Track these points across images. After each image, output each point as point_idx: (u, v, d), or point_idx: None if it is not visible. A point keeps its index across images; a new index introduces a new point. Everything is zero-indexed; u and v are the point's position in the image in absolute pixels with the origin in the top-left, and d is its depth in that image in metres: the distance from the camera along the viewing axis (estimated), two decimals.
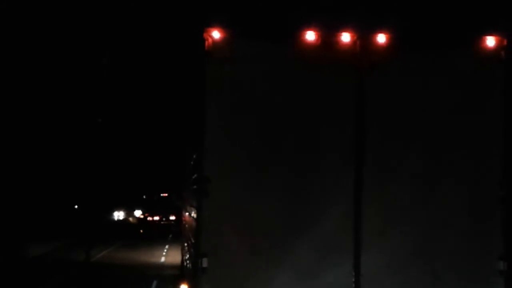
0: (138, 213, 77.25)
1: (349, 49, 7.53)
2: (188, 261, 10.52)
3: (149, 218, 75.57)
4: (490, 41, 7.73)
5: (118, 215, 77.85)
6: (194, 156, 8.64)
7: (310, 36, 7.45)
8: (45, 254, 29.81)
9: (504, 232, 7.68)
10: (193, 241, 8.50)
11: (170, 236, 44.75)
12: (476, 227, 7.67)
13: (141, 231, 57.07)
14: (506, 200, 7.68)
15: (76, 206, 60.37)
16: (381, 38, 7.55)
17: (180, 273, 15.60)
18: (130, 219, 75.38)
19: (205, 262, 7.22)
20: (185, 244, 12.93)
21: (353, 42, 7.54)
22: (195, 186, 8.14)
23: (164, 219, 74.81)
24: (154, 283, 20.74)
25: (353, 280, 7.42)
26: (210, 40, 7.31)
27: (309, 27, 7.43)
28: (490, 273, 7.61)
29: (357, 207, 7.49)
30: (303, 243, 7.35)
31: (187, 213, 12.57)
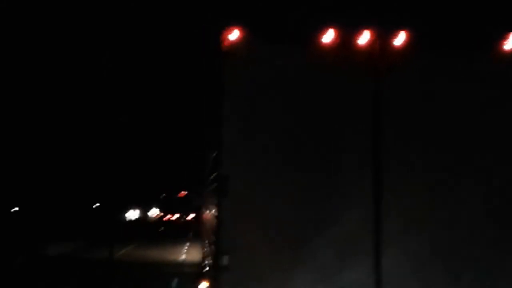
0: (156, 211, 77.49)
1: (368, 50, 7.53)
2: (208, 259, 10.59)
3: (169, 217, 75.92)
4: (511, 43, 7.68)
5: (137, 213, 78.10)
6: (214, 155, 8.70)
7: (328, 37, 7.46)
8: (65, 253, 30.07)
9: None
10: (213, 239, 8.57)
11: (191, 234, 44.93)
12: (497, 228, 7.62)
13: (162, 228, 57.33)
14: None
15: (96, 205, 60.75)
16: (400, 39, 7.53)
17: (200, 271, 15.69)
18: (151, 216, 75.72)
19: (225, 260, 7.27)
20: (206, 242, 13.00)
21: (372, 43, 7.54)
22: (215, 185, 8.20)
23: (184, 216, 75.24)
24: (175, 280, 20.86)
25: (374, 280, 7.44)
26: (228, 40, 7.36)
27: (327, 28, 7.44)
28: (511, 275, 7.58)
29: (377, 208, 7.50)
30: (323, 242, 7.37)
31: (207, 211, 12.64)
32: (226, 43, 7.34)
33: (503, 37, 7.69)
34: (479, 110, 7.71)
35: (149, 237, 45.43)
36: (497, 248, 7.61)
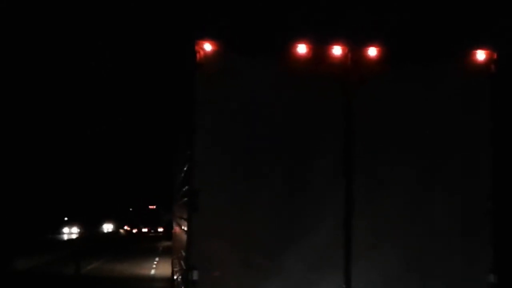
0: (125, 226, 77.16)
1: (340, 63, 7.56)
2: (178, 274, 10.47)
3: (136, 230, 75.73)
4: (480, 55, 7.80)
5: (108, 227, 77.62)
6: (185, 169, 8.62)
7: (301, 49, 7.48)
8: (34, 267, 29.57)
9: (494, 245, 7.69)
10: (183, 253, 8.47)
11: (160, 249, 44.56)
12: (466, 240, 7.69)
13: (133, 242, 56.88)
14: (495, 213, 7.70)
15: (66, 219, 60.07)
16: (372, 52, 7.59)
17: (170, 286, 15.52)
18: (121, 231, 75.32)
19: (195, 275, 7.20)
20: (176, 257, 12.87)
21: (344, 56, 7.58)
22: (185, 199, 8.11)
23: (152, 231, 75.28)
24: None
25: None
26: (201, 52, 7.33)
27: (300, 41, 7.46)
28: (480, 286, 7.62)
29: (348, 220, 7.49)
30: (294, 255, 7.34)
31: (177, 226, 12.53)
32: (199, 56, 7.31)
33: (474, 49, 7.78)
34: (448, 121, 7.78)
35: (120, 250, 44.93)
36: (468, 260, 7.64)
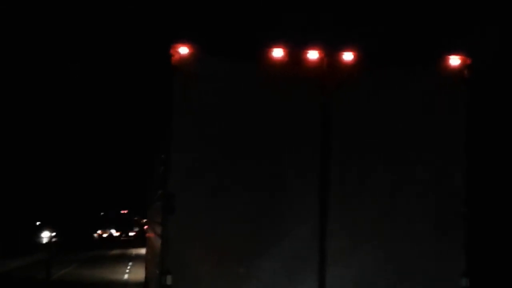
0: (97, 230, 76.75)
1: (316, 67, 7.58)
2: (152, 279, 10.39)
3: (106, 235, 75.48)
4: (454, 60, 7.87)
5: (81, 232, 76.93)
6: (160, 172, 8.56)
7: (278, 53, 7.48)
8: (3, 272, 29.15)
9: (467, 248, 7.76)
10: (157, 258, 8.40)
11: (133, 253, 44.25)
12: (439, 243, 7.74)
13: (104, 247, 56.47)
14: (468, 217, 7.77)
15: (38, 223, 59.34)
16: (348, 56, 7.62)
17: None
18: (95, 235, 74.87)
19: (169, 280, 7.15)
20: (149, 261, 12.77)
21: (320, 60, 7.60)
22: (160, 203, 8.05)
23: (123, 235, 75.29)
24: None
25: None
26: (177, 55, 7.29)
27: (276, 45, 7.46)
28: None
29: (323, 226, 7.50)
30: (269, 259, 7.33)
31: (151, 230, 12.43)
32: (175, 59, 7.28)
33: (449, 54, 7.87)
34: (423, 125, 7.84)
35: (93, 254, 44.53)
36: (440, 264, 7.69)
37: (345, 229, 7.54)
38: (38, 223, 58.77)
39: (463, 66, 7.89)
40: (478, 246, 8.28)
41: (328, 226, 7.49)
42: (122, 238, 73.53)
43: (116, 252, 49.20)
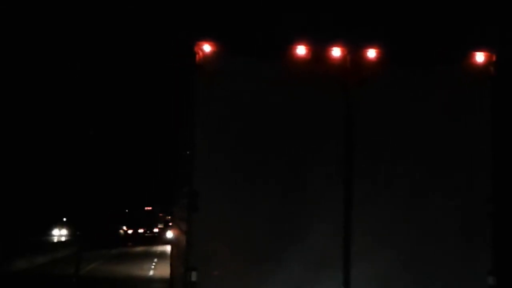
0: (124, 227, 77.57)
1: (339, 64, 7.56)
2: (177, 275, 10.46)
3: (131, 231, 76.22)
4: (479, 57, 7.80)
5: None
6: (184, 170, 8.61)
7: (301, 51, 7.48)
8: (29, 269, 29.53)
9: (494, 247, 7.69)
10: (182, 254, 8.46)
11: (158, 250, 44.53)
12: (466, 242, 7.69)
13: (129, 243, 56.94)
14: (494, 216, 7.70)
15: (64, 219, 60.05)
16: (371, 54, 7.59)
17: (169, 287, 15.50)
18: (120, 231, 75.60)
19: (194, 276, 7.20)
20: (175, 258, 12.85)
21: (343, 57, 7.57)
22: (184, 200, 8.11)
23: (148, 231, 76.05)
24: None
25: None
26: (200, 53, 7.33)
27: (299, 42, 7.46)
28: None
29: (347, 222, 7.49)
30: (294, 256, 7.34)
31: (176, 227, 12.50)
32: (198, 57, 7.31)
33: (473, 51, 7.79)
34: (448, 124, 7.77)
35: (118, 250, 44.93)
36: (467, 262, 7.63)
37: (370, 225, 7.53)
38: (64, 219, 59.47)
39: (488, 63, 7.82)
40: (504, 245, 8.20)
41: (352, 222, 7.48)
42: (146, 235, 74.32)
43: (140, 249, 49.56)
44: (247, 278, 7.31)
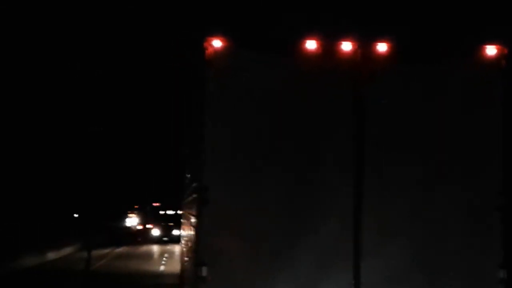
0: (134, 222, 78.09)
1: (350, 58, 7.55)
2: (187, 270, 10.49)
3: (141, 227, 76.65)
4: (491, 50, 7.75)
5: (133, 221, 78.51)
6: (194, 165, 8.63)
7: (311, 45, 7.46)
8: (41, 264, 29.70)
9: (504, 240, 7.67)
10: (192, 249, 8.48)
11: (167, 246, 44.67)
12: (475, 236, 7.67)
13: (139, 239, 57.21)
14: (505, 209, 7.67)
15: (76, 215, 60.32)
16: (382, 48, 7.56)
17: (179, 282, 15.56)
18: (131, 227, 76.10)
19: (204, 271, 7.21)
20: (185, 253, 12.89)
21: (354, 51, 7.56)
22: (194, 195, 8.12)
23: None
24: None
25: None
26: (210, 48, 7.33)
27: (309, 37, 7.44)
28: (490, 282, 7.60)
29: (357, 216, 7.48)
30: (303, 252, 7.34)
31: (186, 223, 12.54)
32: (209, 52, 7.31)
33: (485, 45, 7.75)
34: (459, 117, 7.74)
35: (128, 246, 45.13)
36: (477, 256, 7.61)
37: (380, 220, 7.52)
38: (75, 215, 59.78)
39: (499, 56, 7.77)
40: None
41: (362, 217, 7.47)
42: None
43: (150, 245, 49.69)
44: (256, 273, 7.32)
